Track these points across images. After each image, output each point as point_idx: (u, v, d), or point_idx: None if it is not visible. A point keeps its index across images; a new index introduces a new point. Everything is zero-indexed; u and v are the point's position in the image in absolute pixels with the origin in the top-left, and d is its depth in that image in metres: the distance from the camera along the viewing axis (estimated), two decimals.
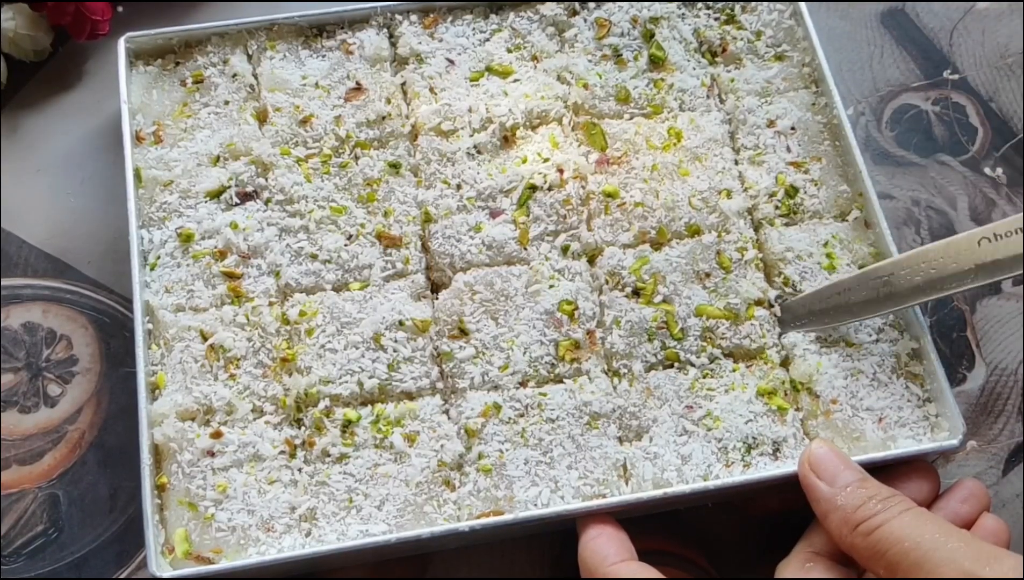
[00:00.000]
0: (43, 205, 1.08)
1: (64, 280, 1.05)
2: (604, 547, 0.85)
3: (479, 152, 1.09)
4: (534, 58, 1.17)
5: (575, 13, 1.18)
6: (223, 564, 0.86)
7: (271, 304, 0.97)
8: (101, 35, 1.17)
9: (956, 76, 1.24)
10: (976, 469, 0.98)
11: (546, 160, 1.01)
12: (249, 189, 1.08)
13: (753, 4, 1.19)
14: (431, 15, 1.17)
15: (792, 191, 1.01)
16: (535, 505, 0.93)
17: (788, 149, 1.10)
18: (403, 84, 1.15)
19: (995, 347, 1.05)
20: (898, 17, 1.28)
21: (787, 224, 1.01)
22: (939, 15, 1.27)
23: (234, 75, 1.13)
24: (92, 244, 1.06)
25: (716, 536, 0.96)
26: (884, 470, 0.92)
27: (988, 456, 1.01)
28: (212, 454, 0.95)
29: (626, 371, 0.94)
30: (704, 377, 0.94)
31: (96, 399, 1.01)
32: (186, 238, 1.04)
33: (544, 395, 0.92)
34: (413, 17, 1.16)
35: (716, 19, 1.20)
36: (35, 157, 1.10)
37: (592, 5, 1.18)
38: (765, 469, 0.95)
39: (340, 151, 1.11)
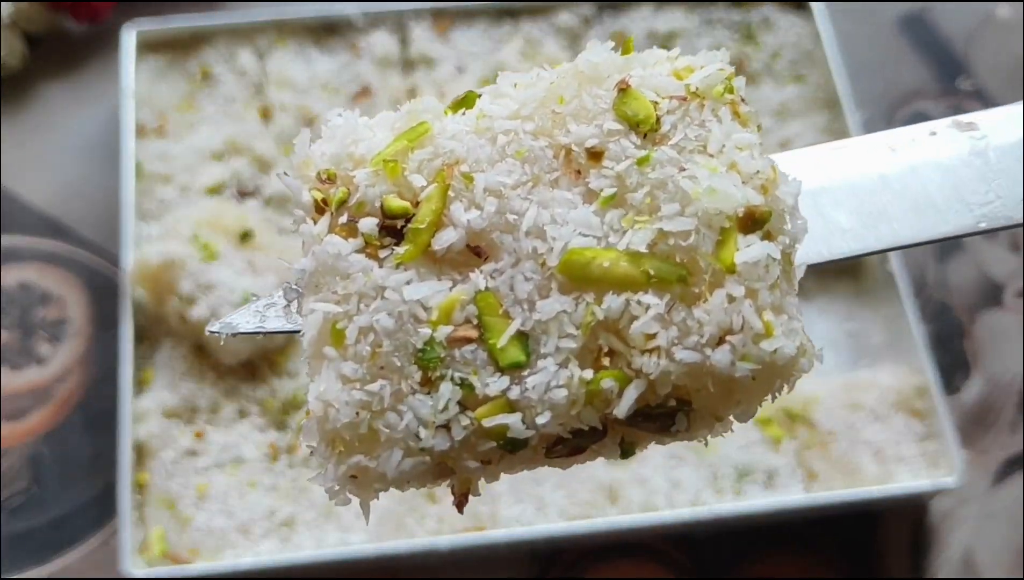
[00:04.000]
0: (46, 168, 1.10)
1: (63, 242, 1.06)
2: None
3: None
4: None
5: (588, 22, 1.16)
6: (198, 566, 0.87)
7: None
8: (101, 20, 1.17)
9: (970, 85, 1.21)
10: (965, 479, 0.95)
11: None
12: (249, 188, 1.07)
13: (774, 24, 1.17)
14: (444, 19, 1.15)
15: None
16: (519, 523, 0.89)
17: None
18: (411, 88, 1.13)
19: (993, 359, 1.04)
20: (916, 23, 1.25)
21: None
22: (957, 23, 1.25)
23: (242, 72, 1.11)
24: (93, 208, 1.07)
25: (699, 535, 0.96)
26: None
27: (978, 467, 0.98)
28: (194, 454, 0.93)
29: None
30: None
31: (85, 361, 1.01)
32: None
33: None
34: (426, 20, 1.15)
35: (734, 38, 1.17)
36: (42, 125, 1.15)
37: (608, 18, 1.16)
38: (756, 499, 0.91)
39: None
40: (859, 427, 0.93)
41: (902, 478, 0.91)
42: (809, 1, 1.15)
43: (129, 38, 1.08)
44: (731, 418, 0.53)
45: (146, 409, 0.93)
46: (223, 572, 0.86)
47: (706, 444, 0.54)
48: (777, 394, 0.52)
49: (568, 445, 0.51)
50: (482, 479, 0.52)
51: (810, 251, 0.56)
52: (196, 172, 1.05)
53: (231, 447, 0.93)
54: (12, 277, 1.05)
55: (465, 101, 0.55)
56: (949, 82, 1.22)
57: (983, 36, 1.24)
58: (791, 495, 0.90)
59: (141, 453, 0.91)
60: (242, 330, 0.57)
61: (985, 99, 1.21)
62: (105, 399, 0.98)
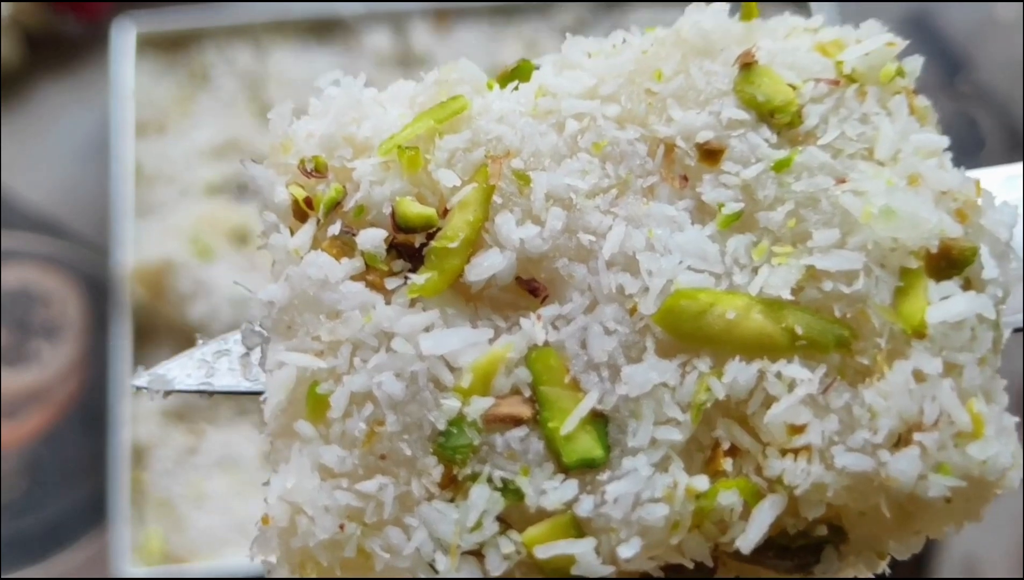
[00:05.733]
0: (46, 167, 1.10)
1: (62, 241, 1.06)
2: None
3: None
4: None
5: (587, 22, 1.10)
6: (196, 565, 0.83)
7: None
8: (101, 19, 1.12)
9: (972, 84, 1.18)
10: None
11: None
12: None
13: None
14: (443, 17, 1.09)
15: None
16: None
17: None
18: None
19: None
20: (918, 23, 1.22)
21: None
22: (959, 23, 1.22)
23: (242, 70, 1.06)
24: (92, 208, 1.06)
25: None
26: None
27: None
28: (193, 453, 0.88)
29: None
30: None
31: (84, 362, 1.01)
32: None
33: None
34: (425, 18, 1.09)
35: None
36: (41, 124, 1.13)
37: (607, 18, 1.09)
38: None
39: None
40: None
41: None
42: (809, 1, 1.09)
43: (120, 35, 1.03)
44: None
45: (145, 409, 0.91)
46: (221, 572, 0.84)
47: None
48: (969, 521, 0.35)
49: None
50: None
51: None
52: (196, 171, 1.02)
53: (230, 446, 0.91)
54: (11, 277, 1.03)
55: (518, 72, 0.39)
56: (950, 82, 1.18)
57: (984, 37, 1.22)
58: None
59: (140, 453, 0.89)
60: (179, 388, 0.41)
61: (986, 99, 1.17)
62: (103, 400, 0.98)
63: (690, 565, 0.33)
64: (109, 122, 1.02)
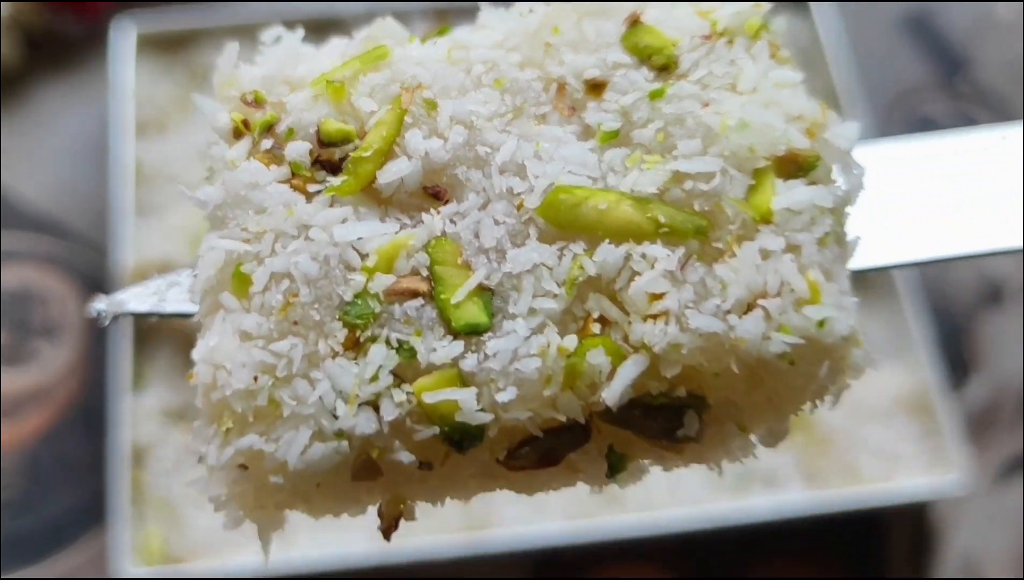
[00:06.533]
0: (46, 167, 1.12)
1: (62, 241, 1.07)
2: None
3: None
4: None
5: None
6: (197, 566, 0.84)
7: None
8: (97, 18, 1.16)
9: (970, 84, 1.19)
10: (966, 479, 0.93)
11: None
12: None
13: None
14: (443, 17, 1.11)
15: None
16: (516, 522, 0.84)
17: None
18: None
19: (992, 359, 1.02)
20: (918, 23, 1.24)
21: None
22: (959, 23, 1.23)
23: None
24: (92, 208, 1.08)
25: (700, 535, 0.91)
26: None
27: (978, 466, 0.96)
28: (193, 454, 0.90)
29: None
30: None
31: (85, 362, 1.01)
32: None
33: None
34: (425, 19, 1.11)
35: None
36: (41, 125, 1.16)
37: None
38: (756, 499, 0.86)
39: None
40: (859, 427, 0.90)
41: (902, 478, 0.88)
42: (809, 1, 1.12)
43: (119, 35, 1.06)
44: (754, 437, 0.40)
45: (146, 408, 0.91)
46: (221, 572, 0.84)
47: (720, 473, 0.41)
48: (820, 400, 0.39)
49: (537, 448, 0.38)
50: (419, 499, 0.39)
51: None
52: (196, 171, 1.03)
53: None
54: (11, 277, 1.04)
55: (438, 33, 0.45)
56: (949, 82, 1.21)
57: (984, 37, 1.23)
58: (791, 495, 0.87)
59: (140, 453, 0.89)
60: (131, 309, 0.45)
61: (985, 99, 1.19)
62: (103, 400, 0.99)
63: (564, 420, 0.37)
64: (108, 122, 1.03)
